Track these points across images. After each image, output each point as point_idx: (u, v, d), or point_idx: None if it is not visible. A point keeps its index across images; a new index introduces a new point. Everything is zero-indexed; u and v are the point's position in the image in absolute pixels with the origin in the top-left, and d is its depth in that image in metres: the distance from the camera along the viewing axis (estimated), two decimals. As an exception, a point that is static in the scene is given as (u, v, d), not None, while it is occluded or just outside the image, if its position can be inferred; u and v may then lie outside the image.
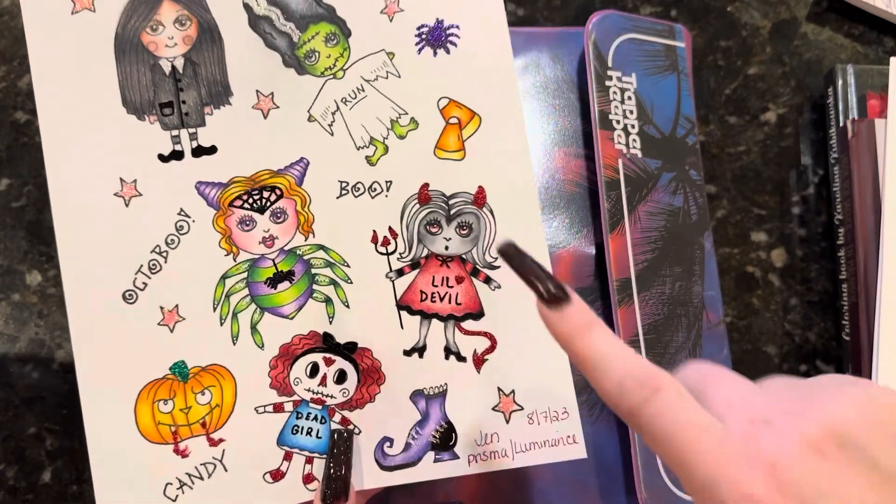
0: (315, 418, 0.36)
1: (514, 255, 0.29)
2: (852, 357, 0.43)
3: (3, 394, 0.42)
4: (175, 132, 0.35)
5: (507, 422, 0.36)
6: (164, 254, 0.35)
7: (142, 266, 0.35)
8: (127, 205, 0.35)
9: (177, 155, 0.35)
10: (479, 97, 0.36)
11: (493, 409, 0.36)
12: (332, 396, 0.36)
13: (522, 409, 0.36)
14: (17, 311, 0.42)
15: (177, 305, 0.35)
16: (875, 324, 0.41)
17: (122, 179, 0.35)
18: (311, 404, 0.36)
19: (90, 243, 0.35)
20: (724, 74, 0.48)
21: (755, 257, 0.46)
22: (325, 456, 0.35)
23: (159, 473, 0.35)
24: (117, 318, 0.35)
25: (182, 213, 0.35)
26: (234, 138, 0.35)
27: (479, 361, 0.36)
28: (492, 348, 0.36)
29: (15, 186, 0.43)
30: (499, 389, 0.36)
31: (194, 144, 0.35)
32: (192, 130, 0.35)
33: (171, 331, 0.35)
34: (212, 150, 0.35)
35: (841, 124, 0.46)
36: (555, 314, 0.28)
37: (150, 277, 0.35)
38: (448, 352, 0.36)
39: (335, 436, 0.34)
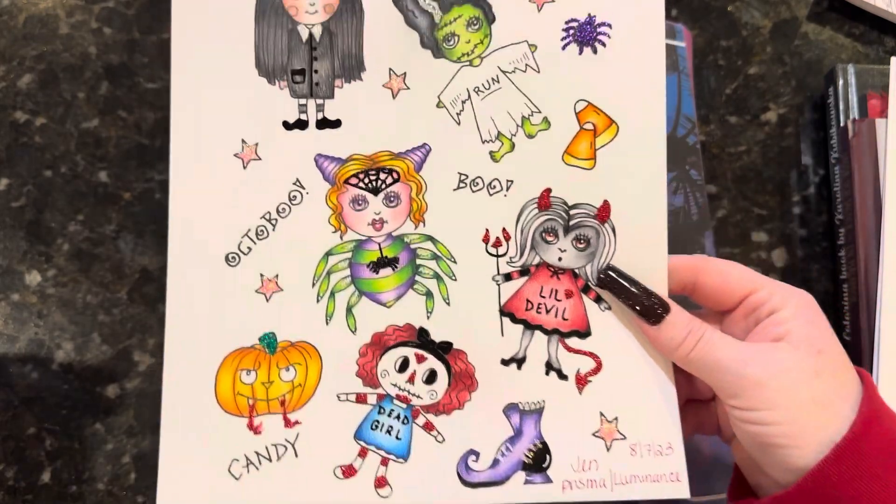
0: (397, 417, 0.33)
1: (612, 282, 0.33)
2: (853, 357, 0.42)
3: (3, 394, 0.41)
4: (303, 101, 0.35)
5: (608, 450, 0.33)
6: (274, 221, 0.34)
7: (249, 230, 0.34)
8: (245, 167, 0.34)
9: (301, 124, 0.34)
10: (620, 105, 0.34)
11: (594, 434, 0.33)
12: (418, 396, 0.34)
13: (625, 438, 0.33)
14: (17, 311, 0.42)
15: (277, 275, 0.34)
16: (876, 324, 0.41)
17: (243, 141, 0.34)
18: (396, 401, 0.34)
19: (202, 200, 0.34)
20: (725, 74, 0.48)
21: (756, 257, 0.46)
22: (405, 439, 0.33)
23: (228, 447, 0.33)
24: (216, 279, 0.34)
25: (297, 183, 0.34)
26: (361, 115, 0.34)
27: (581, 382, 0.33)
28: (596, 370, 0.34)
29: (15, 186, 0.43)
30: (601, 415, 0.33)
31: (320, 116, 0.35)
32: (319, 101, 0.35)
33: (268, 300, 0.34)
34: (336, 123, 0.34)
35: (842, 124, 0.46)
36: (652, 329, 0.32)
37: (255, 243, 0.34)
38: (549, 367, 0.34)
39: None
